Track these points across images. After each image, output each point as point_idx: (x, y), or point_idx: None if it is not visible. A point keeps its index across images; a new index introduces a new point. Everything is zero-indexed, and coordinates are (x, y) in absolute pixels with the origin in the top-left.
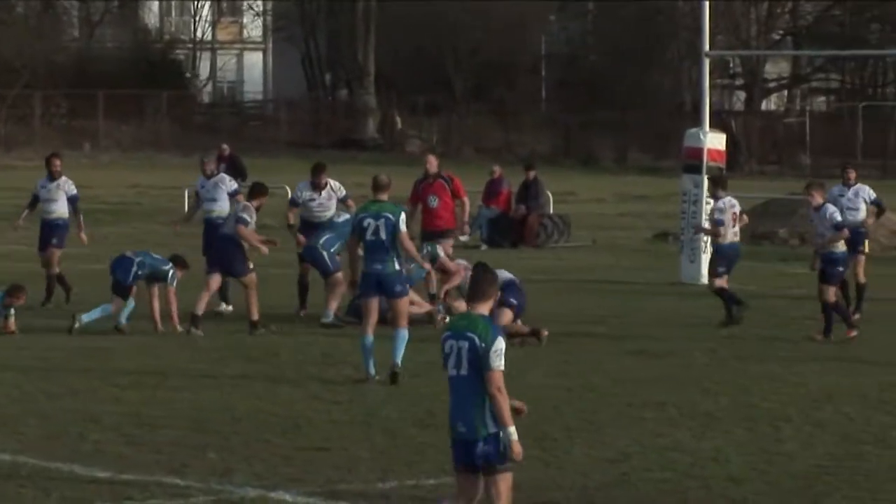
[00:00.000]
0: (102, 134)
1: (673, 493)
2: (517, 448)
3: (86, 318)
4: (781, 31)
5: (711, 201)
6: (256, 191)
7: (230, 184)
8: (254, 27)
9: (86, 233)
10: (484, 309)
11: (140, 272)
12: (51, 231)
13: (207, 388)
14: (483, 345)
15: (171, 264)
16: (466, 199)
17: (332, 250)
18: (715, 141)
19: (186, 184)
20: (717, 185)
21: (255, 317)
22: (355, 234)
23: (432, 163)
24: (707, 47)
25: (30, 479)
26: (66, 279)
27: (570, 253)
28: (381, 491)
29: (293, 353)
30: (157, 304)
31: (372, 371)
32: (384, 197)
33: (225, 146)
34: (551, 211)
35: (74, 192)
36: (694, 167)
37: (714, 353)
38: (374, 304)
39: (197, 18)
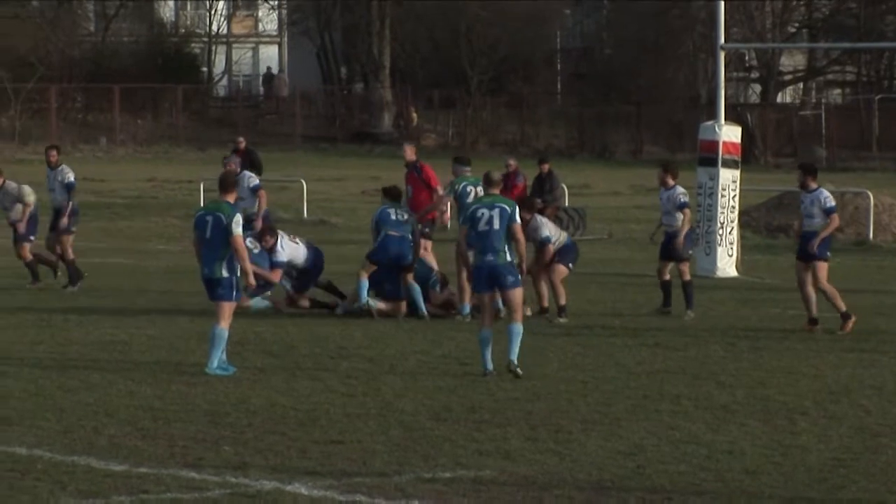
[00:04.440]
0: (118, 128)
1: (688, 485)
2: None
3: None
4: (797, 24)
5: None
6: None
7: (252, 180)
8: (269, 21)
9: (96, 225)
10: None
11: None
12: (55, 218)
13: (222, 381)
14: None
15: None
16: (439, 188)
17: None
18: (730, 134)
19: (202, 177)
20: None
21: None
22: (466, 225)
23: (407, 152)
24: (722, 40)
25: (46, 472)
26: (68, 265)
27: (586, 246)
28: (396, 484)
29: (310, 346)
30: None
31: (490, 366)
32: (496, 191)
33: (241, 139)
34: (567, 204)
35: (71, 179)
36: (709, 160)
37: (730, 346)
38: (490, 298)
39: (212, 12)
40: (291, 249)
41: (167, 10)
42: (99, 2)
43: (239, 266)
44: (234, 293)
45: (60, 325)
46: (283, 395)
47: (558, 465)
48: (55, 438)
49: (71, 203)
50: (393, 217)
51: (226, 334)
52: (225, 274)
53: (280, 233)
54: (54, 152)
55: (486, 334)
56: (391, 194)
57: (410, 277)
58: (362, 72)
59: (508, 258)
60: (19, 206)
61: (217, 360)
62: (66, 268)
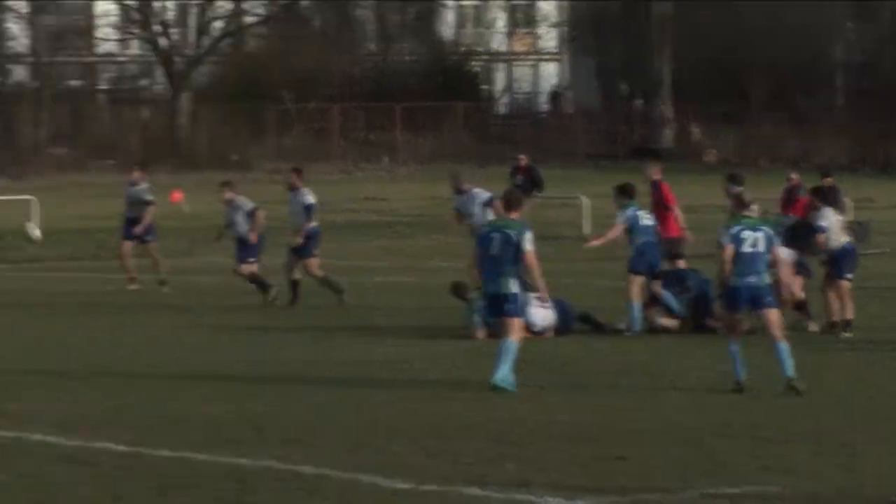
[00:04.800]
0: (400, 146)
1: None
2: None
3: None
4: None
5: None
6: None
7: (483, 195)
8: (549, 38)
9: (297, 237)
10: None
11: None
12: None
13: (503, 398)
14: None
15: None
16: (675, 208)
17: None
18: None
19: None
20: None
21: None
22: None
23: (650, 171)
24: None
25: (332, 491)
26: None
27: (869, 260)
28: (680, 500)
29: (588, 363)
30: None
31: (742, 377)
32: (750, 213)
33: (522, 157)
34: (850, 218)
35: (310, 201)
36: None
37: None
38: (743, 317)
39: (492, 30)
40: None
41: (447, 29)
42: (380, 20)
43: (523, 282)
44: (521, 308)
45: (340, 344)
46: (563, 412)
47: (845, 481)
48: (340, 457)
49: (310, 225)
50: (642, 222)
51: (514, 347)
52: (513, 290)
53: None
54: (295, 175)
55: (735, 348)
56: (627, 192)
57: (659, 285)
58: (643, 88)
59: (767, 280)
60: (241, 220)
61: (506, 371)
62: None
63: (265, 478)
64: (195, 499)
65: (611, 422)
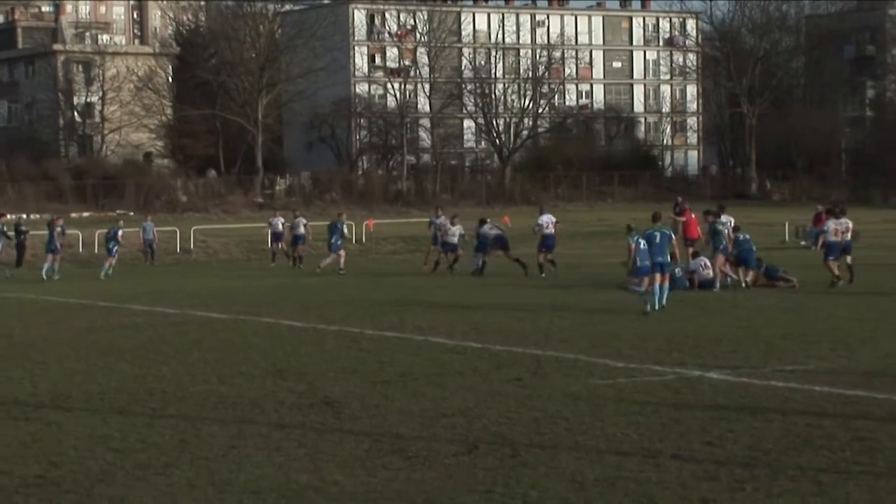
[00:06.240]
0: (617, 194)
1: None
2: None
3: None
4: None
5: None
6: None
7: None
8: (692, 137)
9: None
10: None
11: None
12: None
13: (675, 320)
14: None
15: None
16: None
17: None
18: None
19: None
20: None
21: None
22: None
23: None
24: None
25: (584, 367)
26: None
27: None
28: (762, 372)
29: (699, 298)
30: None
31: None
32: None
33: (679, 198)
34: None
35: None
36: None
37: None
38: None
39: (664, 134)
40: None
41: (640, 133)
42: (605, 131)
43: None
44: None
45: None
46: (703, 328)
47: (847, 363)
48: (588, 350)
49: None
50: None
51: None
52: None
53: None
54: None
55: (640, 289)
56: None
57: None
58: (740, 161)
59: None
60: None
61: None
62: None
63: (550, 360)
64: (513, 371)
65: (726, 332)
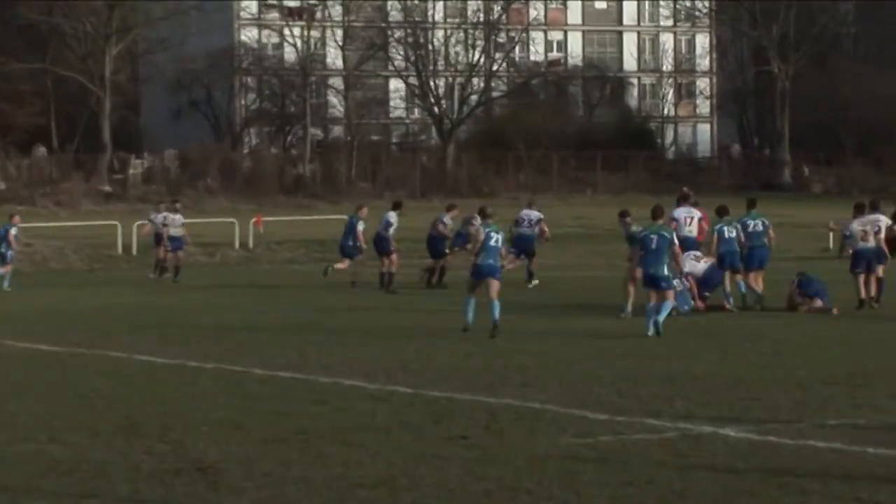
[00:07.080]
0: (600, 182)
1: None
2: None
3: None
4: None
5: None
6: None
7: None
8: (704, 106)
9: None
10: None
11: None
12: None
13: (675, 356)
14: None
15: None
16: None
17: None
18: None
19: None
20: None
21: None
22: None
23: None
24: None
25: (553, 420)
26: None
27: None
28: (797, 429)
29: (735, 333)
30: None
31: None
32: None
33: (685, 188)
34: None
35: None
36: None
37: None
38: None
39: (664, 101)
40: None
41: (632, 100)
42: (585, 93)
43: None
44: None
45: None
46: (716, 366)
47: None
48: (558, 397)
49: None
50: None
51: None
52: (666, 273)
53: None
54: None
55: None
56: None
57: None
58: (769, 140)
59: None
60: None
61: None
62: None
63: (507, 411)
64: (456, 425)
65: (748, 373)
